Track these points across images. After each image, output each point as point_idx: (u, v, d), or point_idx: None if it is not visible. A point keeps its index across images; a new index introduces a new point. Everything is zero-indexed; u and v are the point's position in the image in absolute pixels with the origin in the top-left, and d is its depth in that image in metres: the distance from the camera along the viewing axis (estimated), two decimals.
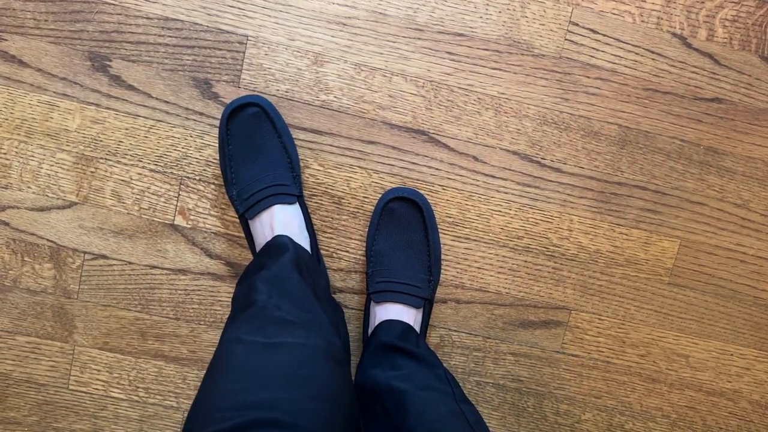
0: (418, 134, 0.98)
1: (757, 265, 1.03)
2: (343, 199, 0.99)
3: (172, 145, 0.97)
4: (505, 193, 1.00)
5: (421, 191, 0.98)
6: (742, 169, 1.02)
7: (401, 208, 0.95)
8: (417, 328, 0.92)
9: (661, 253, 1.03)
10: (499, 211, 1.00)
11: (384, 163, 0.98)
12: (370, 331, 0.93)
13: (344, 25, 0.96)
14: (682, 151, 1.01)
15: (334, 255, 1.00)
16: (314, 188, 0.98)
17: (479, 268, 1.02)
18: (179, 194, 0.98)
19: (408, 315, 0.92)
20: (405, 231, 0.95)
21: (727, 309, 1.05)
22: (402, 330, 0.89)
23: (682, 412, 1.07)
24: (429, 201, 0.97)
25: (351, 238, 1.00)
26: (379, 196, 0.98)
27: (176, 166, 0.97)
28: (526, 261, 1.02)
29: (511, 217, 1.01)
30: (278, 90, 0.96)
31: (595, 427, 1.07)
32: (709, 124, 1.00)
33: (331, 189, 0.99)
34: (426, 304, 0.94)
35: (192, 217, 0.99)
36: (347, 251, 1.00)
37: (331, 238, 1.00)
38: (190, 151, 0.97)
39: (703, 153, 1.01)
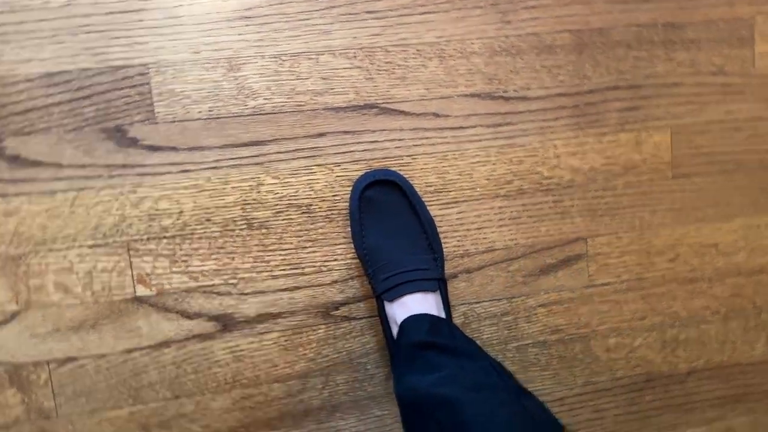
0: (367, 109, 0.91)
1: (752, 127, 0.99)
2: (311, 205, 0.91)
3: (105, 211, 0.87)
4: (479, 140, 0.94)
5: (392, 168, 0.91)
6: (705, 35, 0.97)
7: (378, 193, 0.87)
8: (441, 313, 0.86)
9: (655, 149, 0.98)
10: (479, 161, 0.93)
11: (342, 153, 0.90)
12: (395, 334, 0.87)
13: (248, 18, 0.87)
14: (641, 36, 0.96)
15: (323, 268, 0.91)
16: (276, 204, 0.89)
17: (479, 228, 0.96)
18: (131, 262, 0.89)
19: (427, 303, 0.85)
20: (391, 216, 0.88)
21: (737, 183, 1.01)
22: (429, 323, 0.81)
23: (729, 302, 1.03)
24: (404, 176, 0.90)
25: (335, 245, 0.91)
26: (349, 189, 0.91)
27: (117, 232, 0.87)
28: (524, 205, 0.96)
29: (493, 164, 0.94)
30: (200, 112, 0.86)
31: (650, 350, 1.03)
32: (657, 1, 0.97)
33: (295, 199, 0.90)
34: (440, 284, 0.88)
35: (154, 282, 0.89)
36: (336, 260, 0.91)
37: (314, 251, 0.90)
38: (127, 211, 0.87)
39: (662, 31, 0.97)
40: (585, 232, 0.97)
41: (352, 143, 0.91)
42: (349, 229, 0.90)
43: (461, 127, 0.93)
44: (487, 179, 0.94)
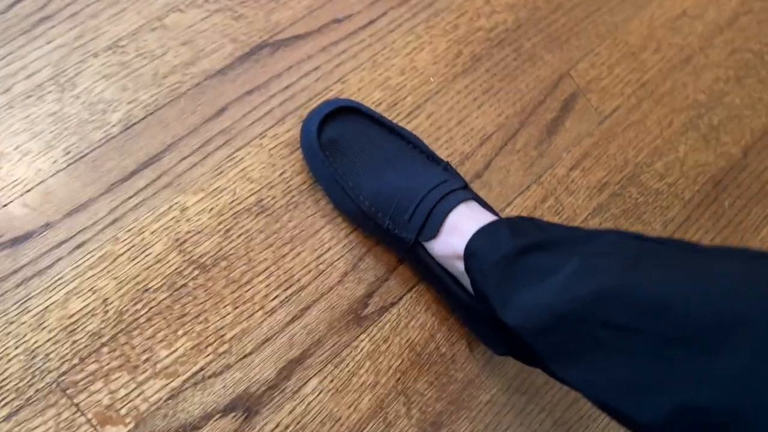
0: (256, 53, 0.69)
1: None
2: (261, 201, 0.66)
3: (1, 358, 0.61)
4: (399, 25, 0.75)
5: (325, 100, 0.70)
6: None
7: (337, 130, 0.65)
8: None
9: None
10: (413, 49, 0.74)
11: (258, 119, 0.68)
12: (458, 274, 0.64)
13: (47, 18, 0.62)
14: None
15: (321, 267, 0.66)
16: (218, 223, 0.64)
17: (459, 122, 0.75)
18: (76, 405, 0.60)
19: (477, 212, 0.63)
20: (369, 148, 0.66)
21: None
22: (506, 227, 0.58)
23: (732, 61, 0.90)
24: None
25: (318, 230, 0.67)
26: (297, 154, 0.68)
27: (34, 377, 0.57)
28: (487, 71, 0.78)
29: (429, 43, 0.75)
30: (54, 161, 0.60)
31: (697, 152, 0.88)
32: None
33: (237, 203, 0.65)
34: (469, 191, 0.69)
35: (124, 411, 0.59)
36: (329, 248, 0.67)
37: (298, 253, 0.66)
38: (31, 340, 0.57)
39: None
40: (562, 65, 0.82)
41: (263, 101, 0.69)
42: (327, 198, 0.68)
43: (372, 21, 0.74)
44: (434, 63, 0.76)
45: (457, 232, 0.61)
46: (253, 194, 0.67)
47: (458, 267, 0.62)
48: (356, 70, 0.72)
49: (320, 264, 0.68)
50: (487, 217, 0.62)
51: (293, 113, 0.69)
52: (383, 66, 0.74)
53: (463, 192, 0.65)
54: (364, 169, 0.65)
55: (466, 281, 0.63)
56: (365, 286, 0.69)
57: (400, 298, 0.70)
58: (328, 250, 0.69)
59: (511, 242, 0.57)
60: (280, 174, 0.68)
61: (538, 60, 0.80)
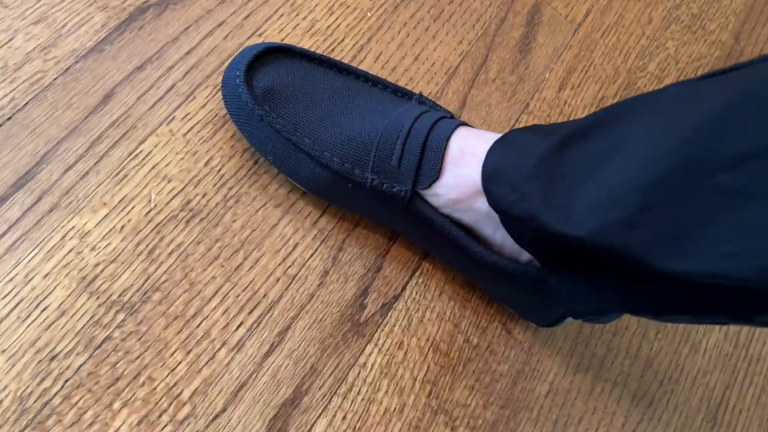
0: (139, 17, 0.52)
1: None
2: (188, 203, 0.48)
3: None
4: None
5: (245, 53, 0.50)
6: None
7: (272, 77, 0.48)
8: None
9: None
10: None
11: (161, 99, 0.50)
12: (472, 219, 0.48)
13: None
14: None
15: (291, 272, 0.49)
16: (136, 245, 0.46)
17: (415, 58, 0.59)
18: None
19: (481, 133, 0.47)
20: (321, 91, 0.49)
21: None
22: (515, 136, 0.45)
23: None
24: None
25: (277, 222, 0.49)
26: (223, 134, 0.51)
27: None
28: None
29: None
30: None
31: (684, 44, 0.74)
32: None
33: (158, 211, 0.47)
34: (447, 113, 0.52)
35: None
36: (296, 243, 0.50)
37: (256, 260, 0.48)
38: None
39: None
40: None
41: (161, 75, 0.51)
42: (278, 176, 0.51)
43: None
44: None
45: (466, 157, 0.46)
46: (175, 196, 0.50)
47: (478, 208, 0.46)
48: (272, 18, 0.57)
49: (289, 267, 0.51)
50: (496, 137, 0.48)
51: (205, 83, 0.53)
52: (305, 7, 0.59)
53: (455, 119, 0.51)
54: (321, 117, 0.48)
55: (488, 230, 0.48)
56: (355, 283, 0.53)
57: (404, 287, 0.54)
58: (295, 246, 0.52)
59: (543, 142, 0.42)
60: (206, 163, 0.52)
61: None
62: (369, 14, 0.60)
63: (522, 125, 0.62)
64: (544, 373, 0.56)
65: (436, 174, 0.46)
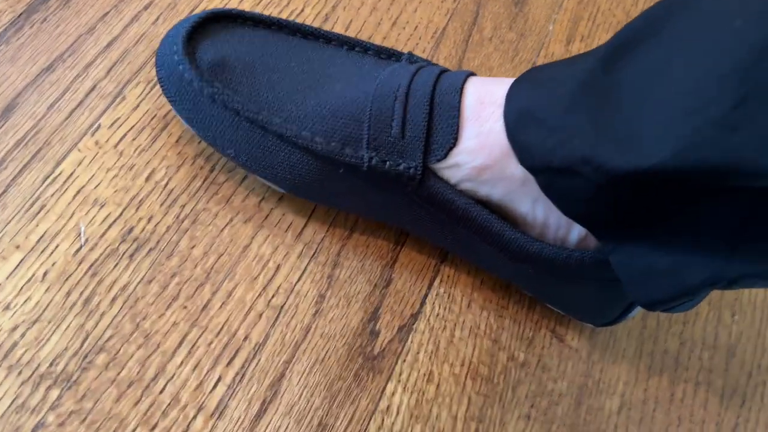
0: (40, 8, 0.40)
1: None
2: (132, 230, 0.36)
3: None
4: None
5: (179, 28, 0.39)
6: None
7: (220, 49, 0.37)
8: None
9: None
10: None
11: (81, 104, 0.39)
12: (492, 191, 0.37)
13: None
14: None
15: (278, 300, 0.37)
16: (71, 286, 0.36)
17: (393, 23, 0.47)
18: None
19: (495, 78, 0.37)
20: (286, 61, 0.38)
21: None
22: (538, 70, 0.35)
23: None
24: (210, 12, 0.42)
25: (249, 243, 0.38)
26: (165, 138, 0.40)
27: None
28: None
29: None
30: None
31: None
32: None
33: (92, 247, 0.35)
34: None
35: None
36: (280, 263, 0.38)
37: (230, 293, 0.37)
38: None
39: None
40: None
41: (78, 76, 0.40)
42: (242, 179, 0.39)
43: None
44: None
45: (488, 108, 0.35)
46: (112, 225, 0.39)
47: (511, 173, 0.35)
48: None
49: (273, 297, 0.41)
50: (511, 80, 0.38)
51: (135, 79, 0.43)
52: None
53: (462, 70, 0.40)
54: (290, 89, 0.37)
55: (525, 207, 0.36)
56: (361, 305, 0.42)
57: (423, 302, 0.43)
58: (278, 269, 0.41)
59: (579, 66, 0.32)
60: (147, 177, 0.41)
61: None
62: None
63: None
64: (612, 385, 0.45)
65: (452, 137, 0.35)
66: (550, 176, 0.33)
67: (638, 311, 0.43)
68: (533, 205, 0.36)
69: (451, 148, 0.35)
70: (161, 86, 0.37)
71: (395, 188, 0.36)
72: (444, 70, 0.37)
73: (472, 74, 0.38)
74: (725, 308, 0.50)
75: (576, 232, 0.37)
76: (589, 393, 0.43)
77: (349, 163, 0.36)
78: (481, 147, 0.35)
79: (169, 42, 0.37)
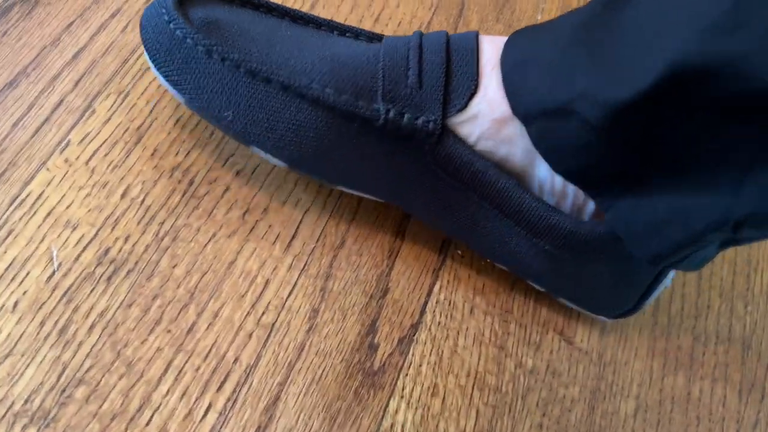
0: (1, 19, 0.38)
1: None
2: (108, 251, 0.34)
3: None
4: None
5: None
6: None
7: (211, 12, 0.35)
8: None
9: None
10: None
11: (48, 121, 0.36)
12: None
13: None
14: None
15: (268, 318, 0.35)
16: (44, 316, 0.33)
17: (375, 19, 0.45)
18: None
19: (495, 37, 0.36)
20: (280, 32, 0.36)
21: None
22: (541, 26, 0.34)
23: None
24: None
25: (234, 260, 0.36)
26: (140, 152, 0.36)
27: None
28: None
29: None
30: None
31: None
32: None
33: (66, 272, 0.33)
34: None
35: None
36: (269, 278, 0.36)
37: (217, 314, 0.34)
38: None
39: None
40: None
41: (44, 89, 0.37)
42: (225, 192, 0.36)
43: None
44: None
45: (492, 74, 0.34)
46: (87, 247, 0.36)
47: (513, 130, 0.34)
48: None
49: (263, 315, 0.38)
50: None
51: (105, 91, 0.40)
52: None
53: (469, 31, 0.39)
54: (291, 47, 0.35)
55: (545, 171, 0.34)
56: (357, 318, 0.39)
57: (422, 310, 0.41)
58: (266, 285, 0.39)
59: (578, 11, 0.32)
60: (123, 194, 0.38)
61: None
62: None
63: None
64: (626, 387, 0.43)
65: (473, 82, 0.33)
66: (544, 123, 0.32)
67: (655, 297, 0.41)
68: (552, 171, 0.34)
69: (471, 95, 0.33)
70: (147, 51, 0.34)
71: (410, 151, 0.34)
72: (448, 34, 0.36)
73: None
74: (738, 299, 0.48)
75: (592, 202, 0.35)
76: (602, 397, 0.41)
77: (363, 117, 0.33)
78: (501, 96, 0.33)
79: (156, 6, 0.34)
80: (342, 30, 0.38)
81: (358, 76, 0.33)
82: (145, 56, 0.35)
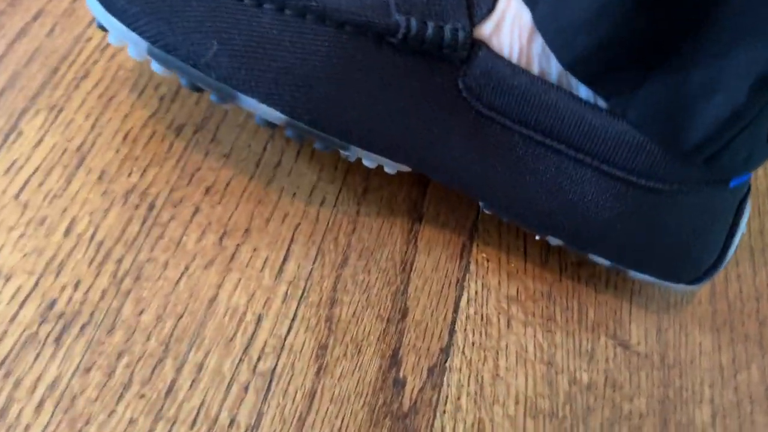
0: None
1: None
2: (53, 305, 0.26)
3: None
4: None
5: None
6: None
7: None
8: None
9: None
10: None
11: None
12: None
13: None
14: None
15: (268, 363, 0.29)
16: None
17: None
18: None
19: None
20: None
21: None
22: None
23: None
24: None
25: (215, 297, 0.29)
26: (84, 186, 0.29)
27: None
28: None
29: None
30: None
31: None
32: None
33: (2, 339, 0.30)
34: None
35: None
36: (262, 313, 0.29)
37: (202, 366, 0.27)
38: None
39: None
40: None
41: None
42: (194, 215, 0.30)
43: None
44: None
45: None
46: (25, 302, 0.29)
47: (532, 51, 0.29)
48: None
49: (258, 362, 0.30)
50: None
51: (32, 107, 0.32)
52: None
53: None
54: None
55: (583, 93, 0.29)
56: (375, 350, 0.32)
57: (452, 329, 0.34)
58: (259, 323, 0.31)
59: None
60: (66, 231, 0.31)
61: None
62: None
63: None
64: (697, 391, 0.37)
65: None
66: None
67: (735, 246, 0.35)
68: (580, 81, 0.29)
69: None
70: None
71: (437, 75, 0.28)
72: None
73: None
74: None
75: None
76: (673, 407, 0.35)
77: (380, 32, 0.27)
78: None
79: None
80: None
81: None
82: (88, 3, 0.28)
